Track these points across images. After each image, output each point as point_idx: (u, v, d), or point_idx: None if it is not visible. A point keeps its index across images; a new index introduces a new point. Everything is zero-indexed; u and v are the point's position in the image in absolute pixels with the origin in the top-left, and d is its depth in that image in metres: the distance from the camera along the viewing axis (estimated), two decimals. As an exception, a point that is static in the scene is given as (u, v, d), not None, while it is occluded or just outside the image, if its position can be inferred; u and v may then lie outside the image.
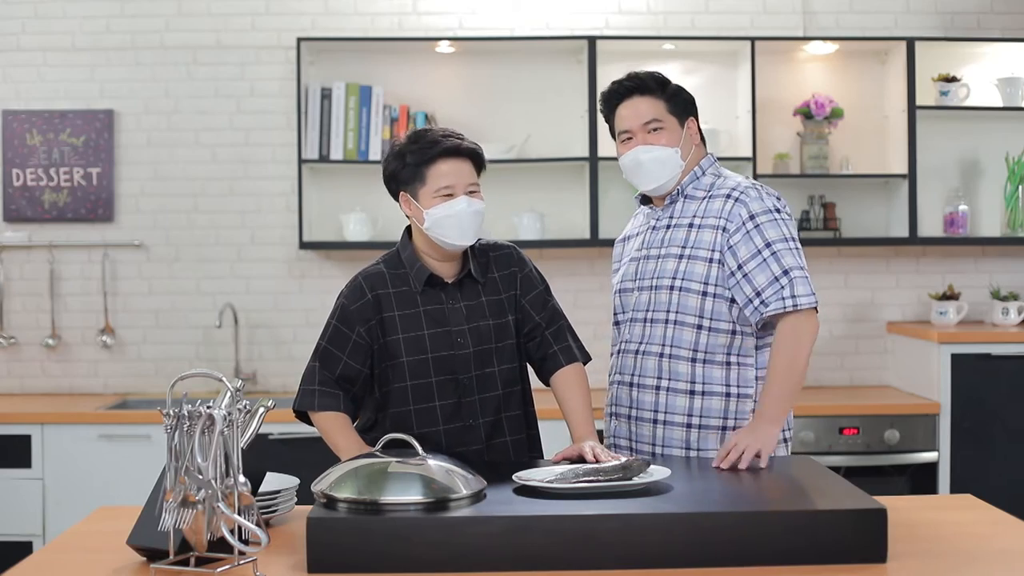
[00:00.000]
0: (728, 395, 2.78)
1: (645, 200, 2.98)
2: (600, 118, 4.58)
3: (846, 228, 4.87)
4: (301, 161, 4.68)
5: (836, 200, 4.85)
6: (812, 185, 4.85)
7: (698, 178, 2.88)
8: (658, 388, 2.81)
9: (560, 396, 2.78)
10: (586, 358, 2.85)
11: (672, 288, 2.79)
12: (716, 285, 2.76)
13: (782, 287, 2.69)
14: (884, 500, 2.21)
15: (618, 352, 2.92)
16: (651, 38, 4.77)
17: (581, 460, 2.55)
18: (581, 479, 2.30)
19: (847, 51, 4.86)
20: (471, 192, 2.67)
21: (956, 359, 4.43)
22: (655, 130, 2.82)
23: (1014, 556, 2.22)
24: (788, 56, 4.86)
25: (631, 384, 2.85)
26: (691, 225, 2.82)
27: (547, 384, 2.83)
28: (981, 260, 4.97)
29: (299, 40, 4.68)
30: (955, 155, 4.92)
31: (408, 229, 2.79)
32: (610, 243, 4.69)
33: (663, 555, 2.08)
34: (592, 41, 4.68)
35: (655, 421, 2.81)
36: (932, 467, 4.40)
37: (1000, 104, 4.80)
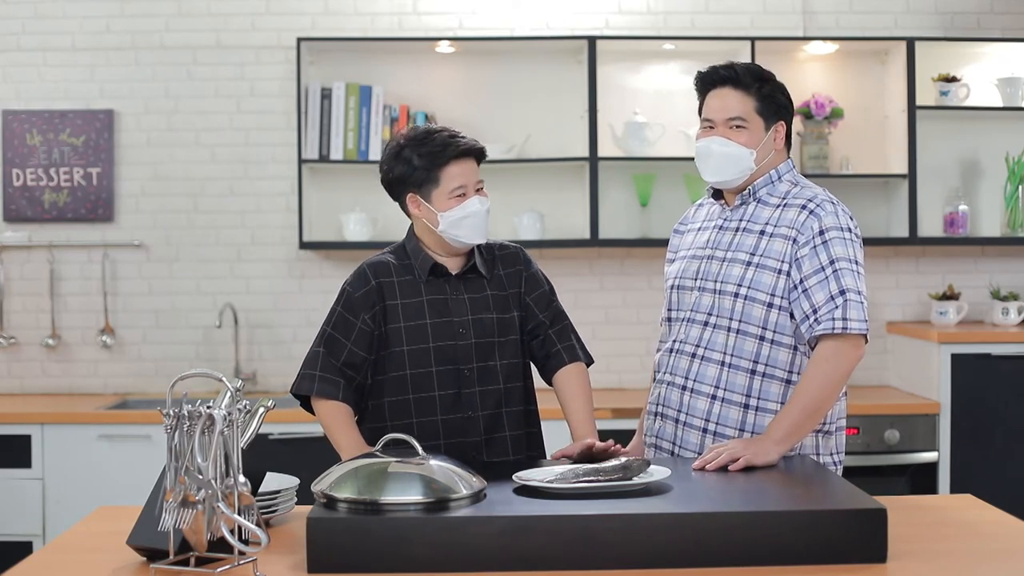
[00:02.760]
0: None
1: (717, 195, 2.88)
2: (600, 118, 4.68)
3: (846, 228, 4.87)
4: (301, 161, 4.68)
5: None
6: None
7: (773, 183, 2.79)
8: (713, 397, 2.72)
9: (562, 395, 2.78)
10: (589, 360, 2.84)
11: (737, 295, 2.71)
12: (782, 297, 2.68)
13: (836, 307, 2.61)
14: (884, 500, 2.21)
15: (670, 351, 2.82)
16: (651, 38, 4.77)
17: (583, 457, 2.56)
18: (581, 479, 2.29)
19: (847, 51, 4.86)
20: (478, 190, 2.71)
21: (956, 359, 4.43)
22: (737, 127, 2.75)
23: (1014, 556, 2.22)
24: (788, 56, 4.86)
25: (684, 388, 2.76)
26: (762, 232, 2.74)
27: (549, 383, 2.82)
28: (981, 260, 4.97)
29: (299, 40, 4.68)
30: (955, 155, 4.92)
31: (412, 224, 2.79)
32: (610, 243, 4.73)
33: (663, 555, 2.08)
34: (592, 41, 4.68)
35: (705, 430, 2.73)
36: (932, 467, 4.40)
37: (1000, 104, 4.80)
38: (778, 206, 2.76)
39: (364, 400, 2.76)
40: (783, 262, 2.69)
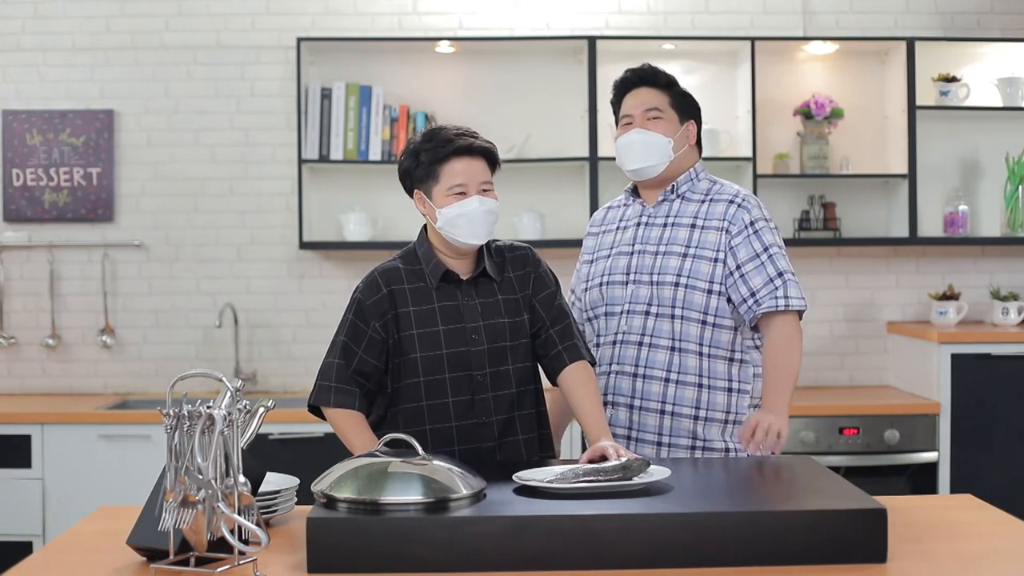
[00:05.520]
0: (730, 390, 2.91)
1: (635, 194, 3.05)
2: (600, 118, 4.68)
3: (846, 228, 4.87)
4: (301, 161, 4.68)
5: (836, 200, 4.85)
6: (812, 185, 4.85)
7: (693, 180, 3.00)
8: (667, 380, 2.89)
9: (569, 396, 2.76)
10: (592, 359, 2.83)
11: (677, 284, 2.89)
12: (720, 284, 2.89)
13: (776, 288, 2.85)
14: (884, 500, 2.21)
15: (613, 343, 2.95)
16: (651, 38, 4.77)
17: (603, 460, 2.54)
18: (581, 479, 2.30)
19: (847, 51, 4.86)
20: (484, 191, 2.68)
21: (956, 359, 4.43)
22: (654, 118, 2.95)
23: (1014, 556, 2.23)
24: (788, 56, 4.86)
25: (634, 375, 2.91)
26: (693, 226, 2.94)
27: (554, 383, 2.81)
28: (981, 260, 4.97)
29: (299, 40, 4.69)
30: (955, 155, 4.92)
31: (425, 226, 2.79)
32: (610, 243, 4.72)
33: (663, 555, 2.08)
34: (592, 41, 4.68)
35: (662, 412, 2.90)
36: (932, 467, 4.40)
37: (1000, 104, 4.81)
38: (703, 201, 2.97)
39: (380, 408, 2.75)
40: (718, 251, 2.90)
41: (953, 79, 4.75)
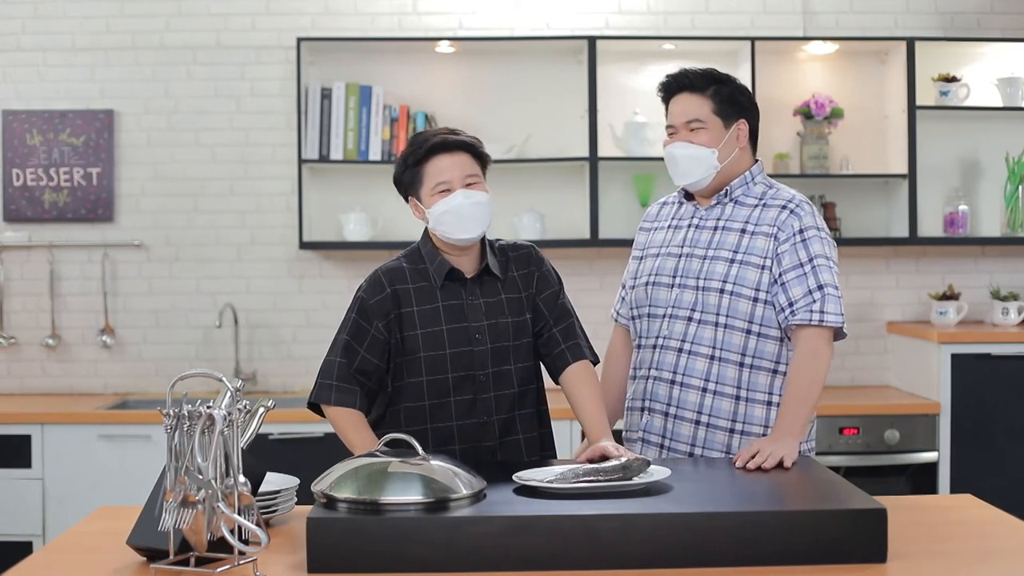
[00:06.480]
0: (769, 403, 2.82)
1: (688, 195, 2.97)
2: (600, 118, 4.70)
3: (846, 228, 4.87)
4: (301, 161, 4.68)
5: (836, 200, 4.85)
6: (812, 185, 4.85)
7: (748, 184, 2.90)
8: (704, 390, 2.81)
9: (571, 395, 2.76)
10: (595, 359, 2.83)
11: (723, 291, 2.80)
12: (766, 292, 2.80)
13: (814, 300, 2.76)
14: (884, 500, 2.21)
15: (653, 347, 2.89)
16: (651, 38, 4.77)
17: (604, 460, 2.53)
18: (581, 479, 2.30)
19: (847, 51, 4.87)
20: (470, 184, 2.65)
21: (956, 359, 4.43)
22: (696, 129, 2.85)
23: (1014, 556, 2.23)
24: (788, 56, 4.86)
25: (672, 381, 2.84)
26: (743, 231, 2.84)
27: (557, 382, 2.81)
28: (981, 260, 4.97)
29: (299, 40, 4.69)
30: (955, 155, 4.92)
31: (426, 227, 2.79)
32: (610, 243, 4.72)
33: (663, 555, 2.08)
34: (592, 41, 4.68)
35: (697, 422, 2.82)
36: (932, 467, 4.40)
37: (1000, 104, 4.81)
38: (756, 206, 2.88)
39: (380, 407, 2.75)
40: (766, 258, 2.81)
41: (953, 79, 4.75)
